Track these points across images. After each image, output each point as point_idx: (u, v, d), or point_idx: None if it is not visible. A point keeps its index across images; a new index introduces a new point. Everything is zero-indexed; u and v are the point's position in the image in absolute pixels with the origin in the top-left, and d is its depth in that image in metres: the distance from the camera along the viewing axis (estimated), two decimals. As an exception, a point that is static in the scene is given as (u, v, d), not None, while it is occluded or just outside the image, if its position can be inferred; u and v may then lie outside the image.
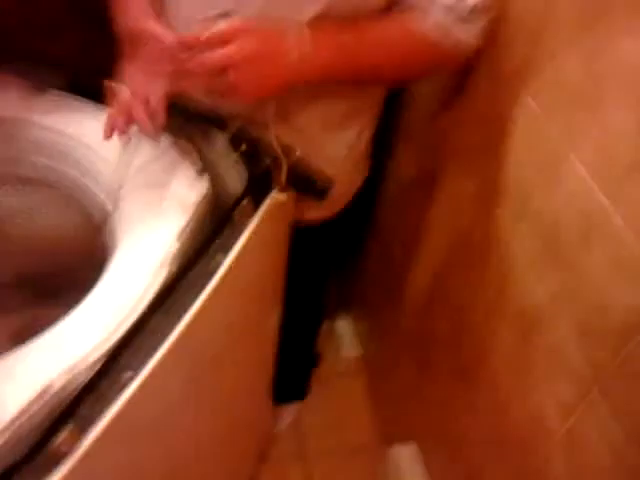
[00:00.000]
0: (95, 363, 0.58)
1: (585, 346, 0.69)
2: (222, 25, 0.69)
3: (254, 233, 0.73)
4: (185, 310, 0.64)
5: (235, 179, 0.79)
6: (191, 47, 0.69)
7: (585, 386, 0.69)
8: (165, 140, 0.82)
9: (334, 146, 0.93)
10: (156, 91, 0.74)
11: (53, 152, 0.85)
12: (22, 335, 0.99)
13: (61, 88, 0.87)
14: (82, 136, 0.83)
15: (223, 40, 0.69)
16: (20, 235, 0.97)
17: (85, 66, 0.90)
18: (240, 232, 0.72)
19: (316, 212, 0.98)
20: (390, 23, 0.79)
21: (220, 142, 0.82)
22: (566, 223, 0.73)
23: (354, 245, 1.43)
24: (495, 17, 0.80)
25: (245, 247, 0.71)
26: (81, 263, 1.00)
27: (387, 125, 1.11)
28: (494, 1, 0.78)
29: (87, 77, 0.89)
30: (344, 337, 1.60)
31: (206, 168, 0.79)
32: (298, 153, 0.79)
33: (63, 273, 1.01)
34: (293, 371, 1.40)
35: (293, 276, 1.01)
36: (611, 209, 0.64)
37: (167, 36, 0.71)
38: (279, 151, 0.77)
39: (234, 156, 0.79)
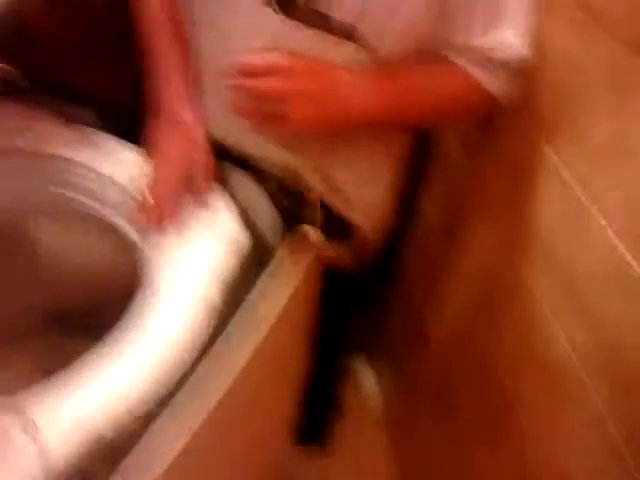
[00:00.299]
0: (145, 416, 0.59)
1: (612, 398, 0.68)
2: (287, 57, 0.72)
3: (291, 283, 0.74)
4: (230, 364, 0.65)
5: (271, 227, 0.81)
6: (253, 72, 0.71)
7: (613, 443, 0.67)
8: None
9: (365, 197, 0.94)
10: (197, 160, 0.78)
11: (85, 189, 0.87)
12: (46, 364, 1.01)
13: (94, 125, 0.90)
14: (114, 174, 0.84)
15: (287, 71, 0.72)
16: (52, 266, 0.99)
17: (118, 104, 0.93)
18: (277, 282, 0.73)
19: (344, 260, 1.00)
20: (435, 69, 0.81)
21: (258, 191, 0.84)
22: (590, 275, 0.73)
23: (377, 292, 1.44)
24: (525, 72, 0.83)
25: (282, 297, 0.72)
26: (112, 298, 1.02)
27: (412, 175, 1.13)
28: (526, 57, 0.80)
29: (120, 115, 0.92)
30: (365, 386, 1.58)
31: (244, 216, 0.80)
32: (333, 203, 0.80)
33: (92, 306, 1.03)
34: (313, 414, 1.39)
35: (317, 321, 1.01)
36: (635, 264, 0.65)
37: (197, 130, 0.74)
38: (316, 201, 0.79)
39: (271, 204, 0.81)
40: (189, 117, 0.83)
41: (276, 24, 0.74)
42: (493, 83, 0.80)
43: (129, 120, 0.88)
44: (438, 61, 0.80)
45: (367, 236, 0.97)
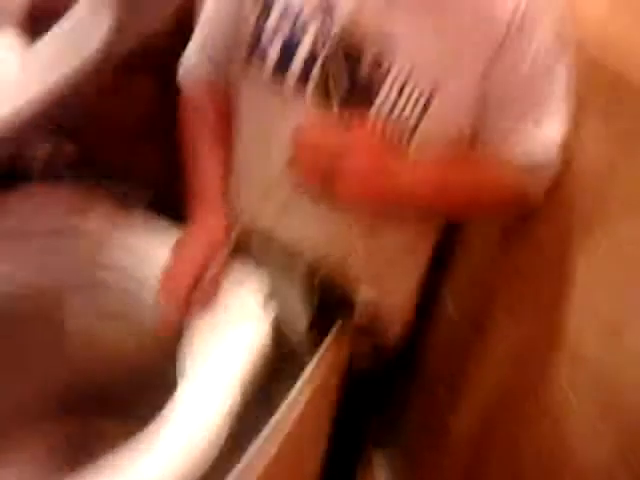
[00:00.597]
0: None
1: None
2: (346, 133, 0.76)
3: (316, 375, 0.74)
4: (251, 464, 0.64)
5: (300, 312, 0.81)
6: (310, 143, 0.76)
7: None
8: (233, 262, 0.85)
9: (398, 290, 0.97)
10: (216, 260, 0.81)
11: (126, 272, 0.88)
12: (62, 448, 0.99)
13: (141, 205, 0.93)
14: (155, 258, 0.86)
15: (345, 146, 0.75)
16: (82, 341, 0.99)
17: (165, 185, 0.96)
18: (303, 374, 0.73)
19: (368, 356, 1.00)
20: (481, 163, 0.85)
21: (289, 275, 0.85)
22: (626, 382, 0.73)
23: (398, 386, 1.42)
24: (558, 174, 0.87)
25: (307, 391, 0.72)
26: (134, 381, 1.01)
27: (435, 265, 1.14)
28: (559, 160, 0.84)
29: (167, 196, 0.95)
30: (378, 472, 1.53)
31: (272, 296, 0.81)
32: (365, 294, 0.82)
33: (113, 387, 1.02)
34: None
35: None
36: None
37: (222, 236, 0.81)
38: (351, 294, 0.80)
39: (301, 290, 0.82)
40: (219, 224, 0.87)
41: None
42: (531, 184, 0.85)
43: (177, 199, 0.90)
44: (484, 156, 0.84)
45: (395, 330, 0.98)
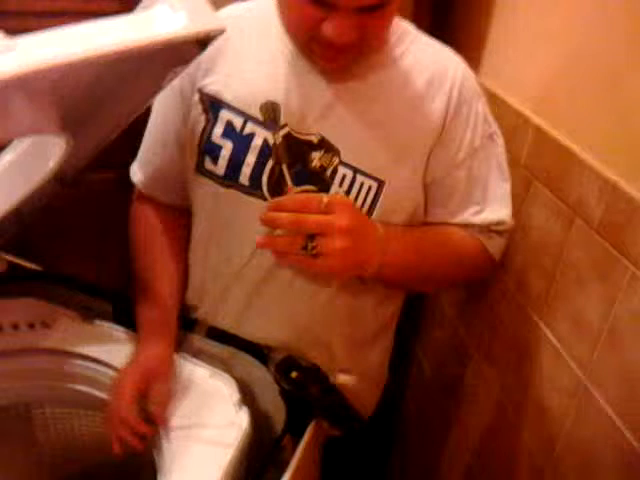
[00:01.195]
0: None
1: None
2: (325, 195, 0.75)
3: (298, 463, 0.74)
4: None
5: (275, 408, 0.81)
6: (286, 206, 0.74)
7: None
8: (204, 368, 0.86)
9: (362, 363, 0.97)
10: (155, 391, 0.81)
11: (93, 381, 0.88)
12: None
13: (104, 314, 0.93)
14: (120, 366, 0.86)
15: (327, 206, 0.73)
16: (59, 442, 0.98)
17: (128, 292, 0.96)
18: (285, 465, 0.73)
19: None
20: (450, 231, 0.87)
21: (260, 372, 0.85)
22: (598, 456, 0.75)
23: (377, 455, 1.42)
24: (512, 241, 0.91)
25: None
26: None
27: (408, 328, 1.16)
28: (511, 226, 0.89)
29: (130, 303, 0.95)
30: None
31: (245, 399, 0.82)
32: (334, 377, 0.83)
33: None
34: None
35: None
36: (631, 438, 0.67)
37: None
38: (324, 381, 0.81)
39: (275, 387, 0.82)
40: (158, 353, 0.84)
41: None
42: (493, 247, 0.89)
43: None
44: (452, 226, 0.87)
45: (367, 401, 0.99)
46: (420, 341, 1.27)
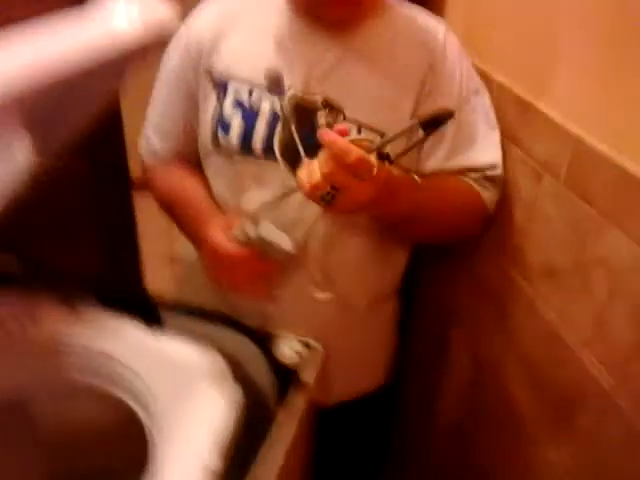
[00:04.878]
0: None
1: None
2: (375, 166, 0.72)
3: (289, 436, 0.76)
4: None
5: (266, 379, 0.84)
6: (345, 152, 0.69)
7: None
8: (193, 346, 0.87)
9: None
10: None
11: (85, 369, 0.89)
12: None
13: (90, 300, 0.93)
14: (112, 352, 0.87)
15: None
16: (53, 432, 0.99)
17: (112, 276, 0.96)
18: (277, 440, 0.75)
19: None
20: (451, 181, 0.91)
21: (250, 349, 0.87)
22: (576, 397, 0.78)
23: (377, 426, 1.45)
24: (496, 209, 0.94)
25: (283, 452, 0.74)
26: (113, 465, 1.02)
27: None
28: (502, 173, 0.92)
29: (114, 286, 0.95)
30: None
31: (237, 375, 0.83)
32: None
33: (93, 474, 1.02)
34: None
35: (324, 458, 1.03)
36: (616, 388, 0.70)
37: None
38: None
39: (263, 358, 0.85)
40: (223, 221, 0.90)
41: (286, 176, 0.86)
42: (488, 198, 0.92)
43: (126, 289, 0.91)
44: (452, 177, 0.91)
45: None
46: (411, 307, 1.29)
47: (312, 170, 0.71)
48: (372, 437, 1.31)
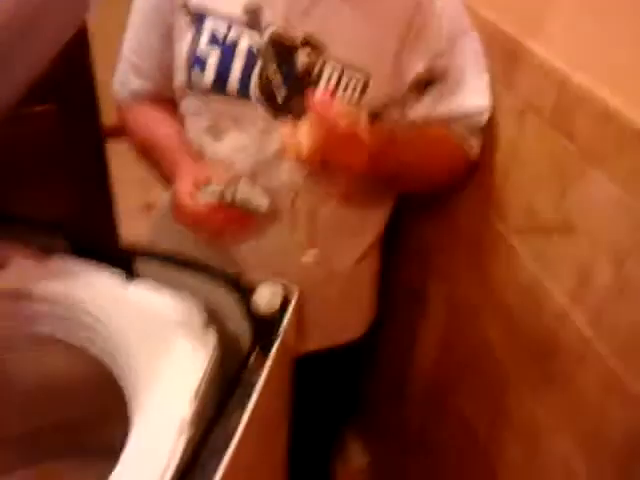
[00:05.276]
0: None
1: (590, 463, 0.72)
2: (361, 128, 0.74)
3: (266, 382, 0.75)
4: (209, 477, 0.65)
5: (242, 327, 0.82)
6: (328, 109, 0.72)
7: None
8: (168, 292, 0.85)
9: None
10: None
11: (55, 320, 0.87)
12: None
13: (62, 249, 0.91)
14: (83, 301, 0.85)
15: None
16: (26, 386, 0.98)
17: (84, 225, 0.94)
18: (253, 384, 0.74)
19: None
20: (432, 131, 0.90)
21: (225, 295, 0.85)
22: (555, 345, 0.77)
23: (365, 364, 1.45)
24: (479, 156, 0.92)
25: (259, 398, 0.73)
26: (88, 417, 1.02)
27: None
28: (486, 116, 0.89)
29: (87, 235, 0.93)
30: (351, 446, 1.59)
31: (212, 320, 0.82)
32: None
33: (67, 427, 1.02)
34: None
35: (307, 403, 1.03)
36: (595, 336, 0.69)
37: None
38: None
39: (240, 305, 0.83)
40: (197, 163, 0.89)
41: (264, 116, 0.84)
42: (471, 146, 0.91)
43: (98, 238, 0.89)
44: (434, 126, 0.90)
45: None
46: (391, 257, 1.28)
47: (300, 134, 0.72)
48: (348, 386, 1.31)
